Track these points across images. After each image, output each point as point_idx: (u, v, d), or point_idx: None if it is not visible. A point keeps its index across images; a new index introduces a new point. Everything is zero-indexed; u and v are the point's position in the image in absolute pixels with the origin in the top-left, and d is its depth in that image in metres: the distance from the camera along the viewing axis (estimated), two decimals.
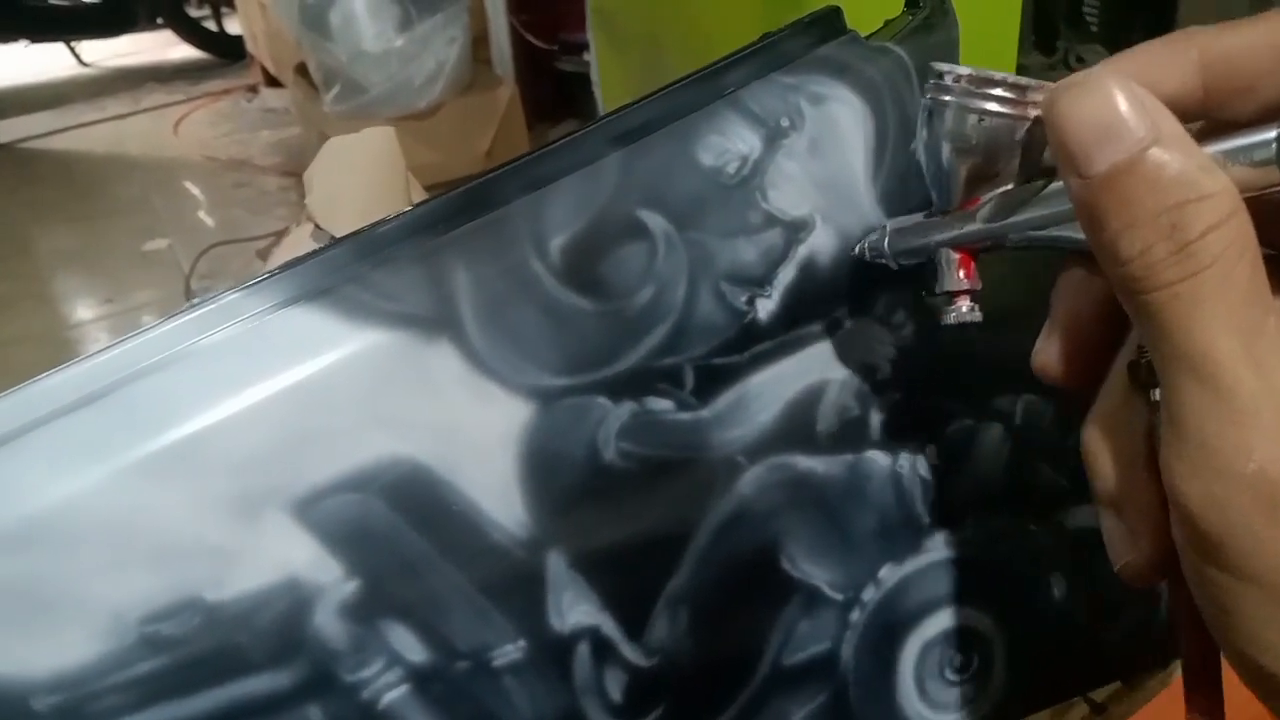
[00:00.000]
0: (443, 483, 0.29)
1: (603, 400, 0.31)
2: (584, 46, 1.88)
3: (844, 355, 0.35)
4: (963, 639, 0.36)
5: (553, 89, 2.28)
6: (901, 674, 0.35)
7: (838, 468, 0.34)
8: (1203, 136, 0.22)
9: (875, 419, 0.35)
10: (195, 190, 2.55)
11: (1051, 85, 0.24)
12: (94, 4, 3.31)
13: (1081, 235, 0.22)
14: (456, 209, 0.30)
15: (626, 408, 0.31)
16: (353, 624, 0.28)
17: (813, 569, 0.34)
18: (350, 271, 0.29)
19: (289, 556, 0.27)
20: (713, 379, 0.33)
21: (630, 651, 0.31)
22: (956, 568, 0.36)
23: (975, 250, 0.29)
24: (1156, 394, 0.22)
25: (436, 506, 0.29)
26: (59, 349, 1.94)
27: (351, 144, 0.62)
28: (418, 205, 0.30)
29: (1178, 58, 0.24)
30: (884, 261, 0.31)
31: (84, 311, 2.16)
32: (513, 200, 0.30)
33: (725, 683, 0.33)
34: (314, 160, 0.66)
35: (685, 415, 0.32)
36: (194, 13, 3.39)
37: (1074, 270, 0.26)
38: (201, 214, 2.45)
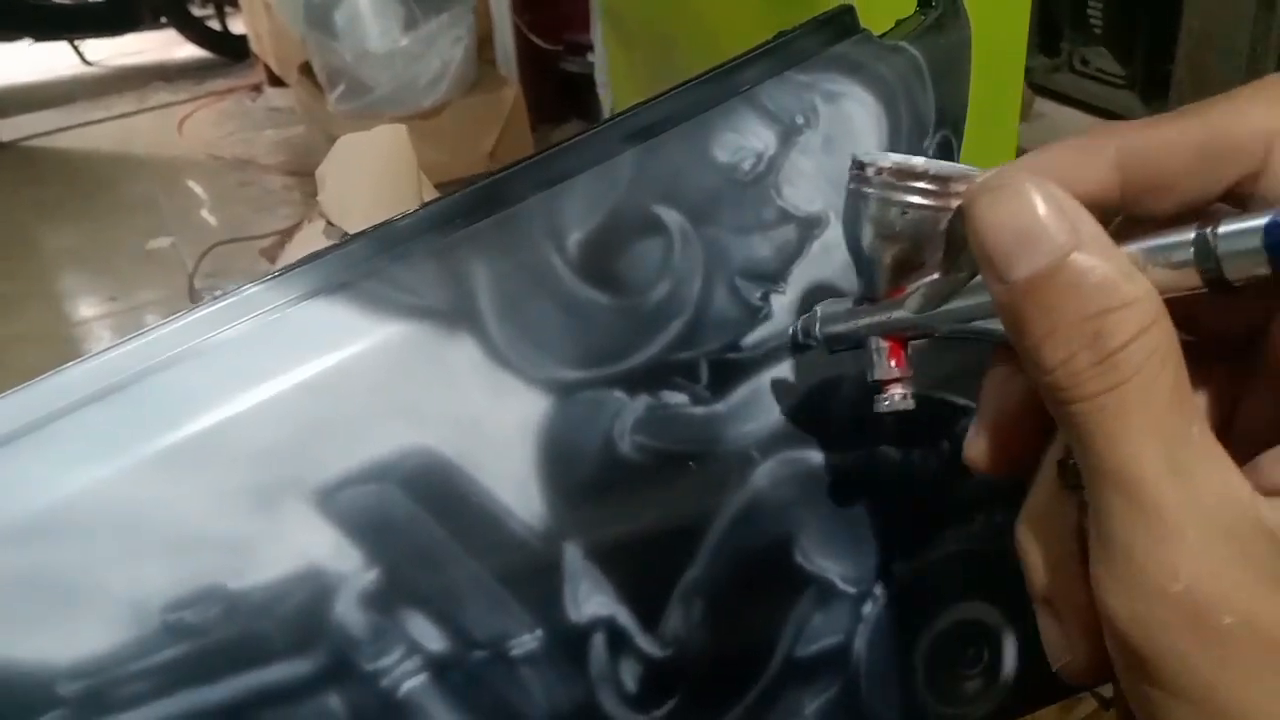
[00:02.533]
0: (461, 473, 0.29)
1: (619, 394, 0.31)
2: (588, 47, 1.89)
3: (857, 351, 0.35)
4: (973, 633, 0.36)
5: (557, 89, 2.29)
6: (913, 667, 0.36)
7: (850, 462, 0.35)
8: (1119, 233, 0.21)
9: (887, 414, 0.35)
10: (199, 189, 2.56)
11: (974, 174, 0.25)
12: (98, 2, 3.32)
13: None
14: (474, 205, 0.30)
15: (642, 401, 0.32)
16: (372, 613, 0.28)
17: (825, 562, 0.34)
18: (369, 266, 0.29)
19: (309, 546, 0.28)
20: (727, 373, 0.33)
21: (645, 642, 0.32)
22: (967, 562, 0.36)
23: (905, 338, 0.29)
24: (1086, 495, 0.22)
25: (455, 497, 0.29)
26: (63, 347, 1.95)
27: (363, 142, 0.62)
28: (435, 201, 0.31)
29: (1095, 155, 0.24)
30: (814, 345, 0.31)
31: (87, 310, 2.16)
32: (530, 196, 0.31)
33: (739, 674, 0.33)
34: (326, 157, 0.67)
35: (700, 409, 0.33)
36: (198, 12, 3.40)
37: (998, 368, 0.26)
38: (205, 213, 2.45)
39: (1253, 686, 0.20)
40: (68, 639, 0.26)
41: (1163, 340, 0.20)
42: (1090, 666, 0.24)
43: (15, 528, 0.26)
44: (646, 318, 0.32)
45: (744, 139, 0.33)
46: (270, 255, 1.86)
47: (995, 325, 0.25)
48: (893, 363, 0.29)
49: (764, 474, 0.33)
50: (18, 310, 2.08)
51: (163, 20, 3.31)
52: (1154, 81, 1.50)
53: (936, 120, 0.37)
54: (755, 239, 0.33)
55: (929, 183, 0.26)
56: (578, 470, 0.31)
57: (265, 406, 0.28)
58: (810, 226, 0.34)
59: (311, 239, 0.73)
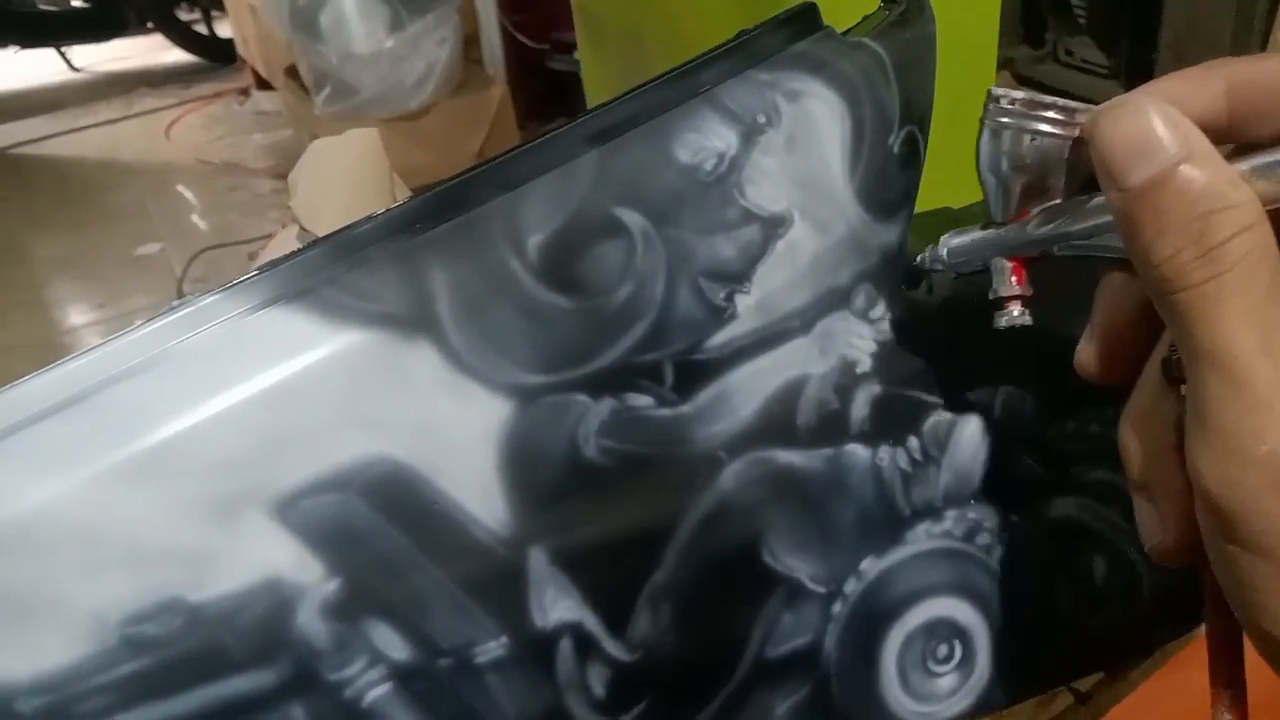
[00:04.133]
0: (423, 481, 0.29)
1: (583, 397, 0.31)
2: (575, 46, 1.88)
3: (823, 349, 0.35)
4: (945, 630, 0.36)
5: (544, 88, 2.29)
6: (884, 665, 0.36)
7: (818, 461, 0.34)
8: (1231, 157, 0.24)
9: (855, 412, 0.35)
10: (188, 194, 2.56)
11: (1095, 108, 0.27)
12: (84, 8, 3.31)
13: (1120, 245, 0.25)
14: (433, 209, 0.30)
15: (607, 404, 0.32)
16: (335, 623, 0.28)
17: (794, 562, 0.34)
18: (328, 273, 0.29)
19: (270, 556, 0.28)
20: (693, 374, 0.33)
21: (613, 647, 0.31)
22: (938, 559, 0.36)
23: (1027, 259, 0.31)
24: (1185, 389, 0.24)
25: (417, 505, 0.29)
26: (52, 355, 1.92)
27: (335, 146, 0.62)
28: (394, 206, 0.30)
29: (1207, 84, 0.26)
30: (941, 269, 0.34)
31: (77, 317, 2.16)
32: (490, 200, 0.31)
33: (708, 676, 0.33)
34: (298, 162, 0.66)
35: (666, 411, 0.33)
36: (185, 16, 3.39)
37: (1113, 276, 0.29)
38: (194, 218, 2.45)
39: None
40: (28, 654, 0.26)
41: (1261, 240, 0.23)
42: (1180, 546, 0.27)
43: None
44: (609, 320, 0.31)
45: (705, 139, 0.33)
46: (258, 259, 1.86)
47: (1110, 241, 0.28)
48: (1014, 280, 0.31)
49: (731, 475, 0.33)
50: (6, 319, 2.08)
51: (149, 25, 3.30)
52: (1138, 71, 1.50)
53: (901, 116, 0.37)
54: (718, 239, 0.33)
55: (1057, 112, 0.28)
56: (542, 475, 0.31)
57: (224, 417, 0.28)
58: (774, 226, 0.34)
59: (286, 245, 0.73)
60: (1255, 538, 0.22)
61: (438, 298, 0.30)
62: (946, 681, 0.37)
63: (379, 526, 0.29)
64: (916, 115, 0.38)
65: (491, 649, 0.30)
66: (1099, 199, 0.28)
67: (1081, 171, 0.29)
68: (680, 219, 0.32)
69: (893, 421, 0.36)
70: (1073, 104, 0.28)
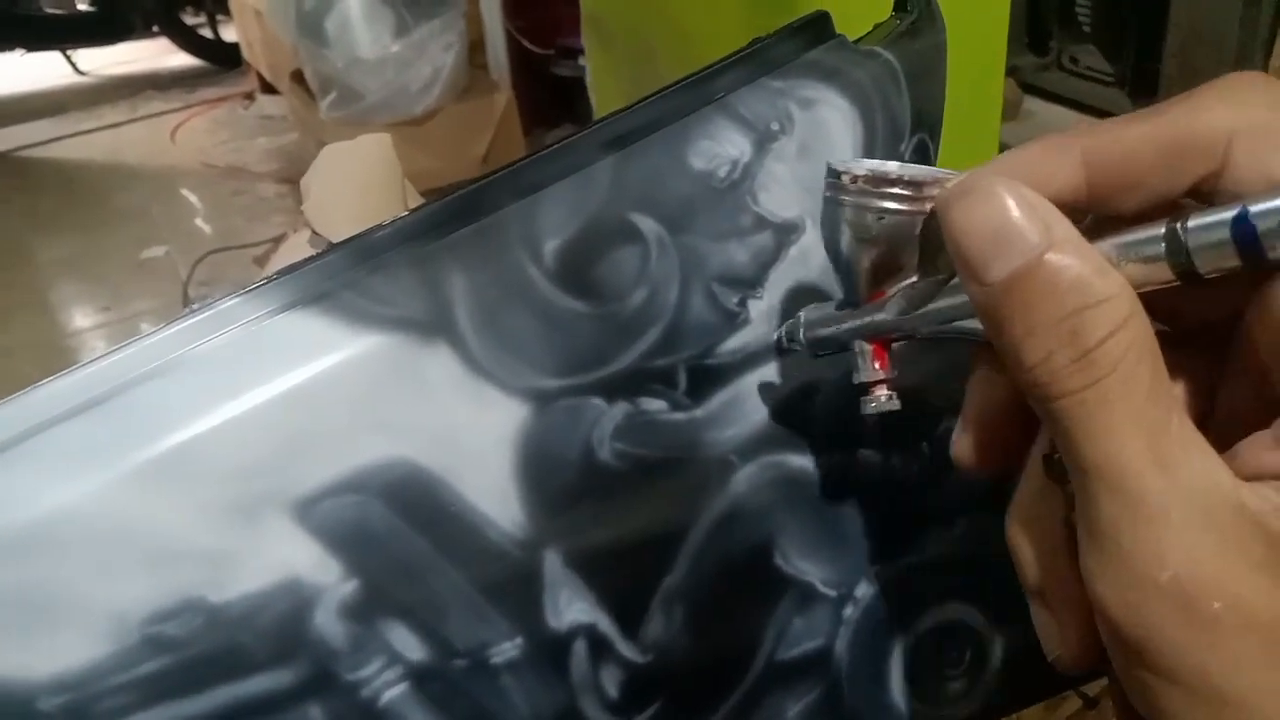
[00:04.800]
0: (440, 483, 0.29)
1: (597, 401, 0.32)
2: (580, 51, 1.89)
3: (836, 355, 0.36)
4: (955, 634, 0.36)
5: (549, 94, 2.29)
6: (894, 669, 0.36)
7: (830, 466, 0.35)
8: (1091, 232, 0.22)
9: (867, 418, 0.35)
10: (193, 198, 2.56)
11: (946, 177, 0.25)
12: (89, 12, 3.32)
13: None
14: (451, 214, 0.31)
15: (621, 408, 0.32)
16: (352, 623, 0.28)
17: (806, 566, 0.34)
18: (347, 277, 0.29)
19: (289, 557, 0.28)
20: (706, 379, 0.33)
21: (626, 648, 0.32)
22: (948, 564, 0.36)
23: (887, 341, 0.29)
24: (1070, 489, 0.22)
25: (434, 507, 0.29)
26: (58, 357, 1.94)
27: (348, 150, 0.62)
28: (412, 211, 0.31)
29: (1062, 156, 0.24)
30: (798, 349, 0.31)
31: (82, 320, 2.16)
32: (506, 205, 0.31)
33: (720, 679, 0.33)
34: (310, 167, 0.67)
35: (679, 415, 0.33)
36: (190, 20, 3.39)
37: (982, 367, 0.27)
38: (199, 221, 2.45)
39: (1244, 669, 0.20)
40: (49, 653, 0.26)
41: (1139, 334, 0.21)
42: (1084, 656, 0.25)
43: None
44: (624, 325, 0.32)
45: (719, 146, 0.33)
46: (264, 263, 1.86)
47: (975, 325, 0.25)
48: (877, 365, 0.29)
49: (744, 478, 0.33)
50: (12, 321, 2.08)
51: (154, 29, 3.31)
52: (1143, 79, 1.50)
53: (912, 124, 0.37)
54: (732, 245, 0.33)
55: (903, 188, 0.26)
56: (557, 478, 0.31)
57: (244, 419, 0.28)
58: (787, 232, 0.34)
59: (297, 249, 0.73)
60: (1164, 665, 0.21)
61: (455, 302, 0.30)
62: (956, 685, 0.37)
63: (396, 528, 0.29)
64: (927, 123, 0.38)
65: (506, 650, 0.30)
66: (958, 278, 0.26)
67: (935, 247, 0.26)
68: (694, 225, 0.33)
69: (905, 427, 0.36)
70: (921, 174, 0.26)
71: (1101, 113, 1.54)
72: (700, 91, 0.34)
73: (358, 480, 0.29)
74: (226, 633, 0.27)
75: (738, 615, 0.34)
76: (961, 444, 0.27)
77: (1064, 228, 0.21)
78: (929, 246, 0.26)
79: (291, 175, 2.47)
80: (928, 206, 0.26)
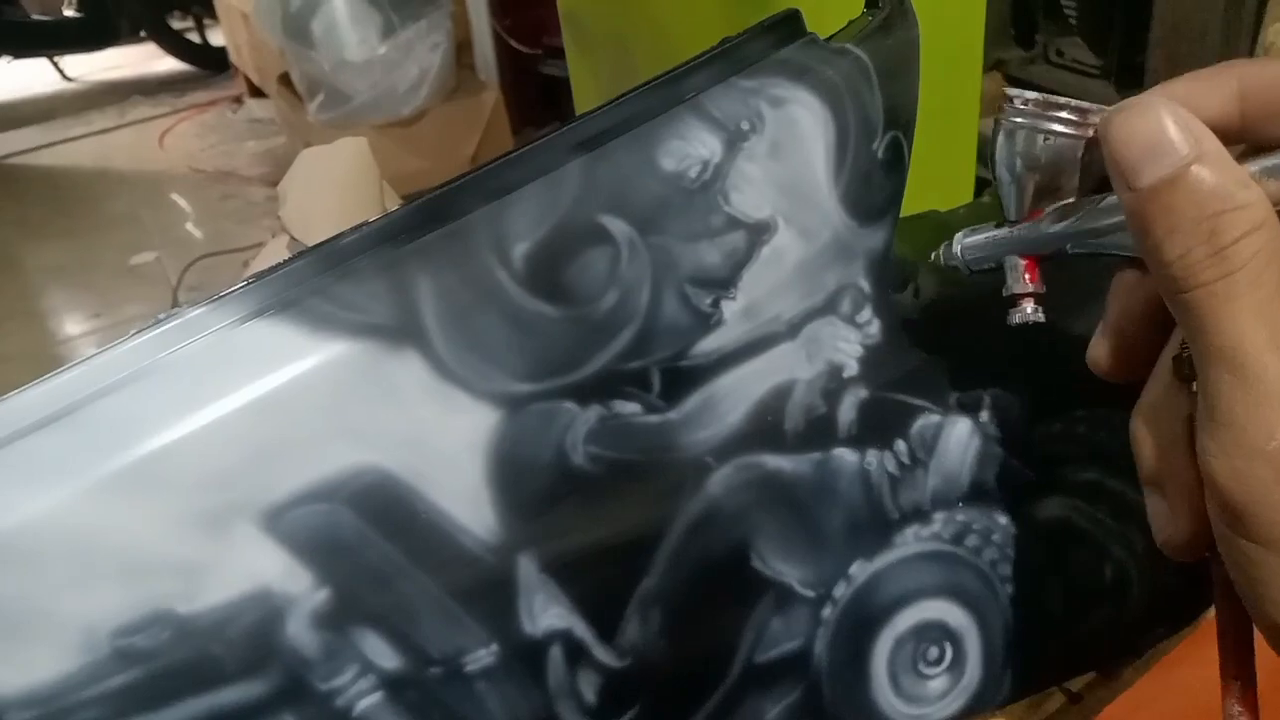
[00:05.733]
0: (411, 490, 0.29)
1: (570, 405, 0.31)
2: None
3: (810, 354, 0.36)
4: (935, 632, 0.36)
5: (537, 93, 2.29)
6: (875, 668, 0.36)
7: (806, 466, 0.35)
8: (1242, 158, 0.25)
9: (843, 416, 0.35)
10: (182, 203, 2.55)
11: (1109, 110, 0.27)
12: (76, 18, 3.31)
13: (1132, 244, 0.26)
14: (420, 220, 0.30)
15: (594, 412, 0.32)
16: (325, 632, 0.28)
17: (784, 567, 0.34)
18: (314, 284, 0.29)
19: (259, 567, 0.28)
20: (680, 381, 0.33)
21: (603, 653, 0.32)
22: (927, 562, 0.36)
23: (1040, 257, 0.32)
24: (1196, 385, 0.25)
25: (405, 514, 0.29)
26: (47, 365, 1.91)
27: (325, 155, 0.62)
28: (381, 217, 0.31)
29: (1220, 86, 0.26)
30: (955, 265, 0.34)
31: (72, 327, 2.16)
32: (475, 209, 0.31)
33: (699, 681, 0.33)
34: (288, 172, 0.67)
35: (653, 418, 0.33)
36: (177, 25, 3.38)
37: (1125, 274, 0.29)
38: (189, 226, 2.45)
39: None
40: (18, 668, 0.26)
41: (1270, 240, 0.23)
42: (1190, 540, 0.28)
43: None
44: (595, 328, 0.32)
45: (690, 146, 0.33)
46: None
47: (1122, 241, 0.28)
48: (1028, 278, 0.32)
49: (719, 480, 0.33)
50: (1, 329, 2.08)
51: (142, 34, 3.30)
52: (1128, 71, 1.50)
53: (886, 122, 0.37)
54: (704, 246, 0.33)
55: (1070, 113, 0.29)
56: (530, 483, 0.31)
57: (212, 429, 0.28)
58: (759, 232, 0.34)
59: (276, 254, 0.73)
60: (1265, 531, 0.23)
61: (424, 307, 0.30)
62: (938, 684, 0.37)
63: (367, 536, 0.29)
64: (901, 120, 0.38)
65: (481, 657, 0.30)
66: (1111, 198, 0.29)
67: (1095, 171, 0.29)
68: (665, 226, 0.33)
69: (880, 425, 0.36)
70: (1086, 105, 0.29)
71: None
72: (670, 91, 0.34)
73: (327, 489, 0.28)
74: (197, 644, 0.27)
75: (715, 618, 0.34)
76: (1099, 348, 0.30)
77: (1212, 143, 0.24)
78: (1088, 170, 0.30)
79: (280, 179, 2.46)
80: (1090, 133, 0.29)
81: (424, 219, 0.31)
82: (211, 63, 3.28)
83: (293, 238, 0.63)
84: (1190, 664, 0.44)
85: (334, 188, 0.60)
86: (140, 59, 3.47)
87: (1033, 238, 0.31)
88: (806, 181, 0.35)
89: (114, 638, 0.27)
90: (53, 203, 2.67)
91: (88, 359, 0.28)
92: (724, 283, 0.33)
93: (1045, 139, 0.30)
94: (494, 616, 0.30)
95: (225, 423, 0.28)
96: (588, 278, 0.31)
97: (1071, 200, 0.30)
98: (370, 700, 0.29)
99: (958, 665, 0.37)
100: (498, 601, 0.30)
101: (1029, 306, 0.32)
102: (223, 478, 0.28)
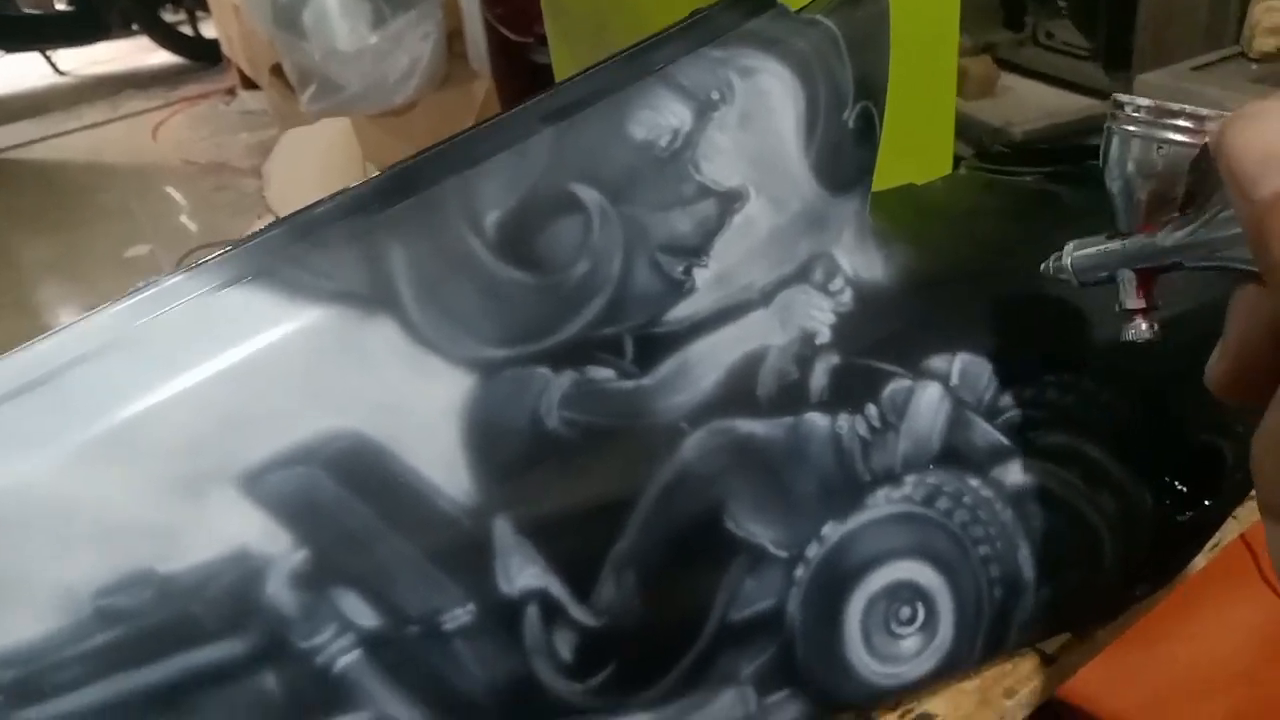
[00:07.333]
0: (387, 454, 0.30)
1: (543, 370, 0.32)
2: None
3: (783, 321, 0.36)
4: (907, 592, 0.37)
5: (529, 81, 2.28)
6: (848, 627, 0.36)
7: (779, 430, 0.35)
8: None
9: (814, 382, 0.36)
10: (175, 195, 2.56)
11: (1224, 115, 0.26)
12: (68, 11, 3.30)
13: (1251, 257, 0.24)
14: (392, 189, 0.31)
15: (568, 377, 0.32)
16: (303, 592, 0.29)
17: (757, 528, 0.35)
18: (288, 253, 0.30)
19: (238, 529, 0.28)
20: (653, 347, 0.34)
21: (579, 612, 0.32)
22: (898, 524, 0.37)
23: (1153, 271, 0.31)
24: None
25: (381, 477, 0.30)
26: None
27: (308, 136, 0.63)
28: (352, 187, 0.31)
29: None
30: (1065, 279, 0.33)
31: (66, 319, 2.16)
32: (446, 179, 0.31)
33: (674, 639, 0.34)
34: (271, 154, 0.67)
35: (627, 383, 0.33)
36: (169, 18, 3.38)
37: (1246, 291, 0.28)
38: (183, 218, 2.45)
39: None
40: (1, 628, 0.27)
41: None
42: None
43: None
44: (568, 295, 0.32)
45: (660, 116, 0.33)
46: None
47: (1242, 254, 0.27)
48: (1140, 294, 0.31)
49: (693, 444, 0.34)
50: None
51: (134, 27, 3.30)
52: (1116, 53, 1.50)
53: (856, 92, 0.38)
54: (675, 214, 0.34)
55: (1185, 120, 0.28)
56: (506, 447, 0.32)
57: (188, 394, 0.28)
58: (730, 200, 0.34)
59: None
60: None
61: (397, 274, 0.30)
62: (910, 643, 0.37)
63: (344, 499, 0.29)
64: (871, 91, 0.39)
65: (459, 616, 0.31)
66: (1228, 210, 0.28)
67: (1209, 180, 0.28)
68: (636, 195, 0.33)
69: (851, 390, 0.36)
70: (1201, 111, 0.28)
71: (1076, 87, 1.54)
72: (640, 63, 0.34)
73: (304, 452, 0.29)
74: (178, 603, 0.28)
75: (689, 578, 0.34)
76: (1218, 369, 0.29)
77: None
78: (1203, 179, 0.29)
79: None
80: (1204, 140, 0.28)
81: (396, 188, 0.31)
82: (204, 55, 3.28)
83: (278, 217, 0.64)
84: (1163, 627, 0.45)
85: (317, 167, 0.60)
86: (132, 52, 3.47)
87: (1146, 251, 0.30)
88: (777, 151, 0.35)
89: (96, 598, 0.27)
90: (46, 196, 2.67)
91: (65, 328, 0.29)
92: (696, 250, 0.34)
93: (1160, 148, 0.29)
94: (471, 577, 0.31)
95: (202, 388, 0.28)
96: (560, 245, 0.32)
97: (1187, 213, 0.29)
98: (349, 658, 0.30)
99: (930, 625, 0.38)
100: (474, 562, 0.31)
101: (1142, 323, 0.31)
102: (200, 442, 0.28)
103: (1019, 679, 0.41)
